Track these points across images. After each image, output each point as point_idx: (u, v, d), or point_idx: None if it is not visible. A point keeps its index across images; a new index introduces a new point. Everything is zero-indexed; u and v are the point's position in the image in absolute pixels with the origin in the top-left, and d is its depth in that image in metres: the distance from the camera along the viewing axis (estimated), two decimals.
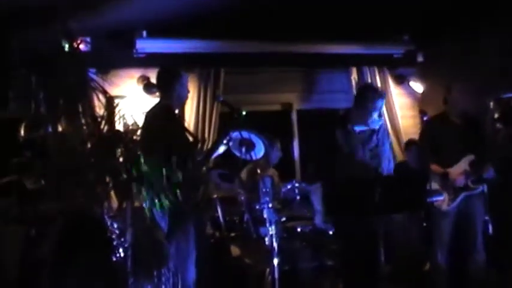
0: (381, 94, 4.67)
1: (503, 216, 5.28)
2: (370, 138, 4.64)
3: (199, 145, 4.49)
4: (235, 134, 4.33)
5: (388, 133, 4.97)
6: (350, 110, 4.73)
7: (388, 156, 4.69)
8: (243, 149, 4.56)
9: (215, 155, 4.36)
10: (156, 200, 3.32)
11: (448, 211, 4.86)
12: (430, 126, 5.33)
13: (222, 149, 4.38)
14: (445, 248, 4.90)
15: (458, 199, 4.85)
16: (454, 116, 5.02)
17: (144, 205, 3.39)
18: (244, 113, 4.29)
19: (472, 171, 4.81)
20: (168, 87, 4.24)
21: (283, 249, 4.94)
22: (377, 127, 4.64)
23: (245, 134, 4.44)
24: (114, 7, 4.92)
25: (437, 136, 5.06)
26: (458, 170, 4.86)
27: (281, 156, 6.22)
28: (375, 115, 4.55)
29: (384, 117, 6.90)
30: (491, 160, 4.76)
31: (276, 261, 4.79)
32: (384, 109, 6.92)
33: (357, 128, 4.60)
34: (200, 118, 6.19)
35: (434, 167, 4.96)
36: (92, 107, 3.65)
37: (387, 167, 4.63)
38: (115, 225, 4.18)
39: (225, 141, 4.34)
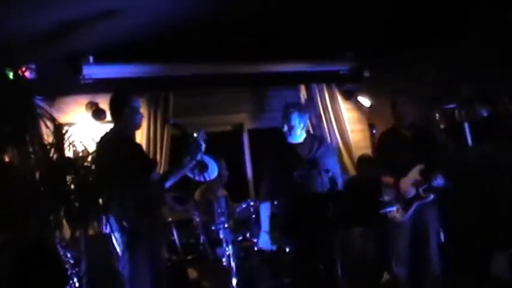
0: (293, 108, 4.80)
1: (455, 224, 5.42)
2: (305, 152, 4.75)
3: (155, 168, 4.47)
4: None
5: (332, 148, 5.06)
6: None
7: (332, 171, 4.75)
8: (196, 171, 4.55)
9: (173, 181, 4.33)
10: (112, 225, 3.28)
11: (403, 222, 4.95)
12: (382, 141, 5.44)
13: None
14: (402, 258, 4.98)
15: (411, 209, 4.94)
16: (403, 128, 5.15)
17: (102, 231, 3.34)
18: (195, 135, 4.29)
19: (422, 180, 4.92)
20: (117, 112, 4.23)
21: (241, 269, 4.94)
22: (300, 141, 4.78)
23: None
24: (60, 33, 4.86)
25: (389, 149, 5.18)
26: (409, 180, 4.96)
27: (228, 175, 6.23)
28: (294, 128, 4.72)
29: (334, 132, 7.02)
30: (441, 168, 4.89)
31: (234, 281, 4.78)
32: (334, 124, 7.04)
33: (290, 141, 4.76)
34: (151, 142, 6.14)
35: (386, 179, 5.06)
36: (40, 135, 3.59)
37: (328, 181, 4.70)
38: (68, 255, 4.10)
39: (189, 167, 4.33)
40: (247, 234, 5.38)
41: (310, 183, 4.62)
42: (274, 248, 4.93)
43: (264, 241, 4.83)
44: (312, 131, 6.71)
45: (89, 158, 3.63)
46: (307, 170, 4.65)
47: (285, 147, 4.79)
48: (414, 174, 4.95)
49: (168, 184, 4.18)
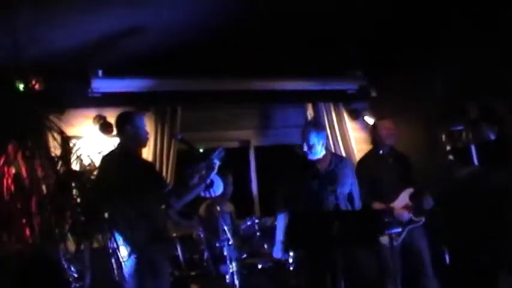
0: (312, 127, 4.81)
1: (458, 245, 5.40)
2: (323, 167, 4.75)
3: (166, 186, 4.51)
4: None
5: (352, 167, 5.08)
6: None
7: (351, 190, 4.77)
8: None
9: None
10: (118, 240, 3.28)
11: (395, 246, 4.95)
12: (362, 166, 5.44)
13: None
14: (397, 281, 4.97)
15: (404, 233, 4.96)
16: (383, 152, 5.16)
17: (105, 246, 3.33)
18: (201, 150, 4.32)
19: (414, 203, 4.94)
20: (120, 130, 4.39)
21: (244, 287, 4.91)
22: (320, 157, 4.79)
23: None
24: (70, 46, 4.90)
25: (373, 173, 5.19)
26: (400, 204, 4.97)
27: (233, 190, 6.21)
28: (314, 147, 4.73)
29: (341, 151, 7.01)
30: (429, 190, 4.91)
31: None
32: (341, 143, 7.04)
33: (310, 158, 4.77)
34: (158, 156, 6.15)
35: (376, 204, 5.07)
36: (47, 147, 3.60)
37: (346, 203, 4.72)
38: (72, 268, 4.09)
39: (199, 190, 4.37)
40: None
41: (324, 197, 4.63)
42: (286, 257, 4.94)
43: (277, 251, 4.84)
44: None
45: (95, 172, 3.65)
46: (322, 183, 4.66)
47: (304, 162, 4.80)
48: (404, 197, 4.98)
49: (178, 206, 4.23)
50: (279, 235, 4.80)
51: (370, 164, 5.32)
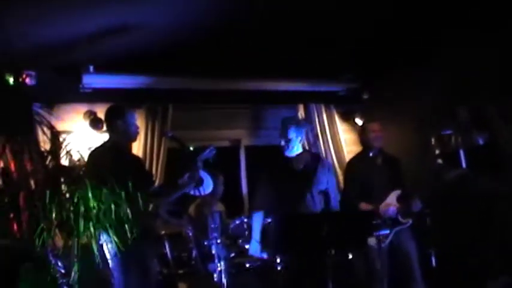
0: (292, 121, 4.83)
1: (447, 249, 5.42)
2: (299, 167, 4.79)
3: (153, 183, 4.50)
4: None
5: (328, 165, 5.12)
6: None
7: (327, 187, 4.80)
8: (192, 185, 4.55)
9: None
10: (106, 237, 3.26)
11: (382, 248, 4.97)
12: (351, 167, 5.47)
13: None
14: (384, 283, 4.99)
15: (391, 235, 4.98)
16: (374, 154, 5.19)
17: (94, 242, 3.32)
18: (192, 148, 4.31)
19: (401, 205, 4.96)
20: (110, 125, 4.34)
21: (232, 286, 4.90)
22: (295, 155, 4.82)
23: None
24: (61, 41, 4.87)
25: (361, 175, 5.22)
26: (387, 206, 4.99)
27: (223, 190, 6.21)
28: (291, 142, 4.76)
29: (331, 152, 7.02)
30: (418, 193, 4.93)
31: None
32: (331, 144, 7.05)
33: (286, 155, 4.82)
34: (148, 154, 6.13)
35: (363, 205, 5.09)
36: (37, 142, 3.58)
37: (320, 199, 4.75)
38: (60, 264, 4.06)
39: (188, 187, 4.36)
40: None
41: (299, 197, 4.66)
42: (264, 255, 4.95)
43: (254, 249, 4.86)
44: (307, 148, 6.72)
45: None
46: (298, 181, 4.68)
47: (280, 160, 4.82)
48: (392, 199, 4.99)
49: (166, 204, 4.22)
50: (256, 234, 4.82)
51: (359, 166, 5.35)
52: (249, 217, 5.48)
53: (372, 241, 4.96)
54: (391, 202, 4.99)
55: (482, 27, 5.23)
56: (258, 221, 4.85)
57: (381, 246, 4.94)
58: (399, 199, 5.00)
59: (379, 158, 5.21)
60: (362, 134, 5.33)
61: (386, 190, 5.08)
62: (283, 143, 4.80)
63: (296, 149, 4.84)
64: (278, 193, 4.74)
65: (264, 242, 4.84)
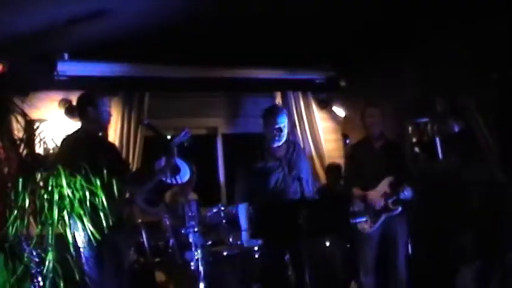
0: (282, 108, 4.81)
1: (422, 237, 5.48)
2: (284, 158, 4.73)
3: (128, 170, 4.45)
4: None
5: (304, 152, 5.10)
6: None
7: (304, 176, 4.77)
8: (168, 173, 4.52)
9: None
10: (80, 225, 3.23)
11: (371, 233, 4.99)
12: (352, 152, 5.50)
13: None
14: (370, 269, 5.02)
15: (380, 221, 4.98)
16: (373, 139, 5.19)
17: (67, 231, 3.28)
18: (169, 137, 4.27)
19: (391, 192, 4.97)
20: (81, 111, 4.27)
21: (209, 274, 4.91)
22: (279, 144, 4.72)
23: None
24: (36, 28, 4.80)
25: (359, 160, 5.22)
26: (378, 192, 5.00)
27: (196, 180, 6.15)
28: (283, 130, 4.66)
29: (308, 140, 7.04)
30: (410, 181, 4.94)
31: (202, 286, 4.75)
32: (308, 133, 7.07)
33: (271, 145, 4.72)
34: (124, 142, 6.09)
35: (355, 190, 5.09)
36: (10, 130, 3.53)
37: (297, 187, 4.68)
38: (34, 253, 4.02)
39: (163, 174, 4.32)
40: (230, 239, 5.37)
41: (286, 187, 4.62)
42: (258, 242, 4.90)
43: (246, 239, 4.81)
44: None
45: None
46: (278, 171, 4.65)
47: (264, 149, 4.74)
48: (383, 186, 5.00)
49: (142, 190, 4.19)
50: (244, 225, 4.78)
51: (358, 151, 5.33)
52: (227, 206, 5.48)
53: (361, 227, 4.98)
54: (382, 189, 4.98)
55: (460, 18, 5.27)
56: (243, 212, 4.76)
57: (368, 232, 4.96)
58: (391, 185, 5.00)
59: (378, 143, 5.18)
60: (361, 119, 5.28)
61: (380, 176, 5.06)
62: (274, 132, 4.65)
63: (284, 138, 4.77)
64: (259, 183, 4.66)
65: (252, 230, 4.77)
